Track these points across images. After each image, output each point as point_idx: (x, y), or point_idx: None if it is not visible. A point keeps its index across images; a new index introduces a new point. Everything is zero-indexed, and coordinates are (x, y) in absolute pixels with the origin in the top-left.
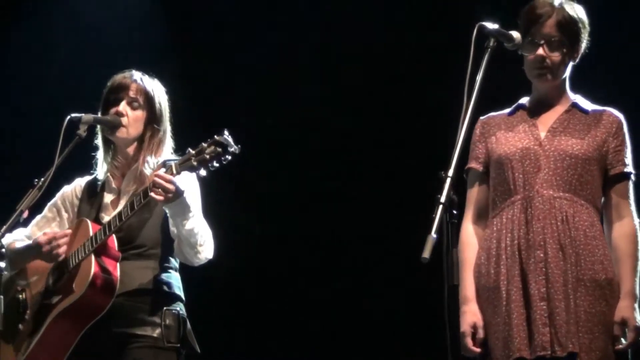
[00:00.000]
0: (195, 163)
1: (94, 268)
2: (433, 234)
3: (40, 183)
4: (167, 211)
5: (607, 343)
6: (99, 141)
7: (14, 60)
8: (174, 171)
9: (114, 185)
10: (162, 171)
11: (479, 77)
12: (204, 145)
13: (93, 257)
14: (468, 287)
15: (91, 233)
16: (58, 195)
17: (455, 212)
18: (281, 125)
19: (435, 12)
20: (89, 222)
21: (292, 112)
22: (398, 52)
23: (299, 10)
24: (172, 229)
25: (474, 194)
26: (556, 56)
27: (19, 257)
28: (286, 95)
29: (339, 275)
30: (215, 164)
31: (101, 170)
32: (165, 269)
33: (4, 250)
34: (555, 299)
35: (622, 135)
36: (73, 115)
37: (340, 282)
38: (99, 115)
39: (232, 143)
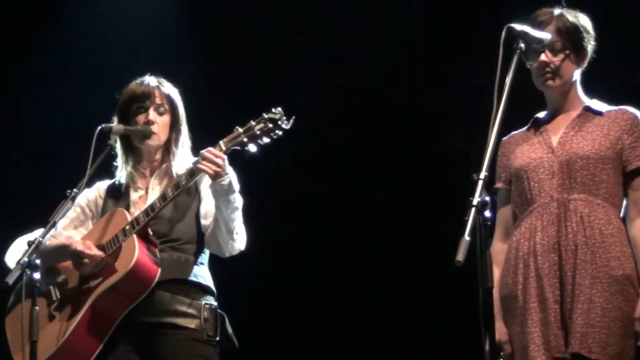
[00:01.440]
0: (245, 139)
1: (138, 247)
2: (466, 237)
3: (73, 194)
4: (211, 190)
5: (625, 338)
6: (118, 148)
7: (44, 63)
8: (223, 147)
9: (139, 184)
10: (205, 151)
11: (508, 80)
12: (253, 122)
13: (136, 238)
14: (495, 303)
15: (129, 218)
16: (80, 196)
17: (487, 214)
18: (308, 125)
19: (466, 13)
20: (126, 212)
21: (320, 113)
22: (429, 55)
23: (326, 8)
24: (210, 212)
25: (501, 213)
26: (559, 59)
27: (51, 257)
28: (313, 96)
29: (372, 278)
30: (265, 140)
31: (123, 175)
32: (198, 264)
33: (38, 262)
34: (568, 301)
35: (637, 132)
36: (104, 125)
37: (374, 285)
38: (121, 124)
39: (285, 117)
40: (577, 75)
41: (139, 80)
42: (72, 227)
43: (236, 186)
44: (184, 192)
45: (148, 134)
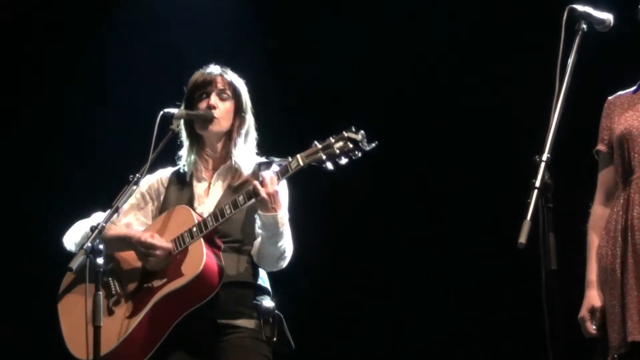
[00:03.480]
0: (323, 156)
1: (206, 253)
2: (529, 219)
3: (136, 179)
4: (259, 220)
5: None
6: (183, 136)
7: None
8: (301, 163)
9: (204, 175)
10: (267, 172)
11: (570, 62)
12: (332, 139)
13: (203, 242)
14: (591, 270)
15: (195, 219)
16: (142, 183)
17: (550, 196)
18: (372, 122)
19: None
20: (191, 210)
21: (383, 107)
22: (487, 37)
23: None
24: (258, 231)
25: (602, 176)
26: None
27: (112, 246)
28: (380, 93)
29: (433, 262)
30: (344, 160)
31: (187, 163)
32: (256, 264)
33: (102, 247)
34: None
35: None
36: (165, 110)
37: (435, 269)
38: (183, 109)
39: (366, 141)
40: None
41: (203, 69)
42: (132, 213)
43: (284, 223)
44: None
45: (209, 119)
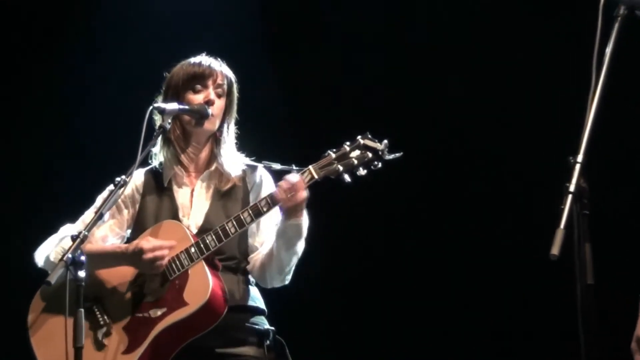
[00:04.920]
0: (340, 167)
1: (211, 280)
2: (562, 228)
3: (122, 182)
4: (280, 226)
5: None
6: (168, 132)
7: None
8: (315, 176)
9: (185, 180)
10: (295, 176)
11: (608, 50)
12: (347, 147)
13: (205, 266)
14: None
15: (191, 238)
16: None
17: (585, 201)
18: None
19: None
20: (184, 228)
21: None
22: (518, 27)
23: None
24: (267, 242)
25: None
26: None
27: (93, 264)
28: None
29: (462, 274)
30: (362, 171)
31: (165, 163)
32: (252, 283)
33: (84, 258)
34: None
35: None
36: (156, 105)
37: (463, 282)
38: (175, 103)
39: (387, 149)
40: None
41: (195, 59)
42: (107, 223)
43: (305, 230)
44: (235, 201)
45: (205, 115)
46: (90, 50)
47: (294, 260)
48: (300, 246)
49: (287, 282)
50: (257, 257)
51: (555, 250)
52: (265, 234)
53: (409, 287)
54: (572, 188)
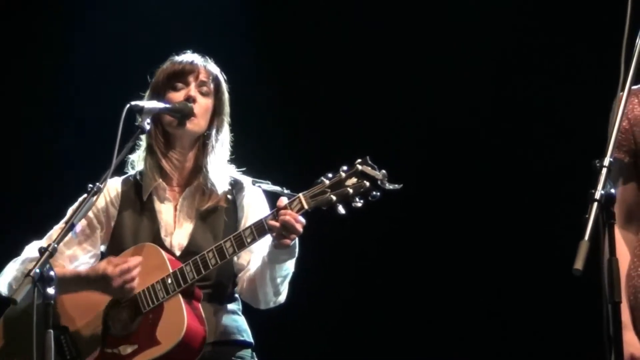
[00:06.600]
0: (333, 198)
1: (186, 317)
2: (586, 240)
3: (96, 188)
4: (270, 250)
5: None
6: (146, 134)
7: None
8: (305, 206)
9: (167, 195)
10: (286, 203)
11: (639, 41)
12: (342, 174)
13: (182, 300)
14: (623, 309)
15: (169, 266)
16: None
17: (613, 210)
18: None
19: None
20: (162, 252)
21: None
22: (542, 24)
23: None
24: (255, 263)
25: (621, 191)
26: None
27: (63, 287)
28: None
29: (480, 289)
30: (359, 202)
31: (145, 172)
32: (238, 312)
33: (53, 273)
34: None
35: None
36: (133, 103)
37: (481, 296)
38: (154, 101)
39: (385, 178)
40: None
41: (179, 56)
42: (76, 242)
43: (297, 249)
44: (221, 220)
45: (188, 114)
46: (65, 49)
47: (287, 280)
48: (292, 264)
49: (282, 302)
50: (245, 277)
51: (578, 264)
52: (252, 248)
53: (406, 305)
54: (597, 195)
